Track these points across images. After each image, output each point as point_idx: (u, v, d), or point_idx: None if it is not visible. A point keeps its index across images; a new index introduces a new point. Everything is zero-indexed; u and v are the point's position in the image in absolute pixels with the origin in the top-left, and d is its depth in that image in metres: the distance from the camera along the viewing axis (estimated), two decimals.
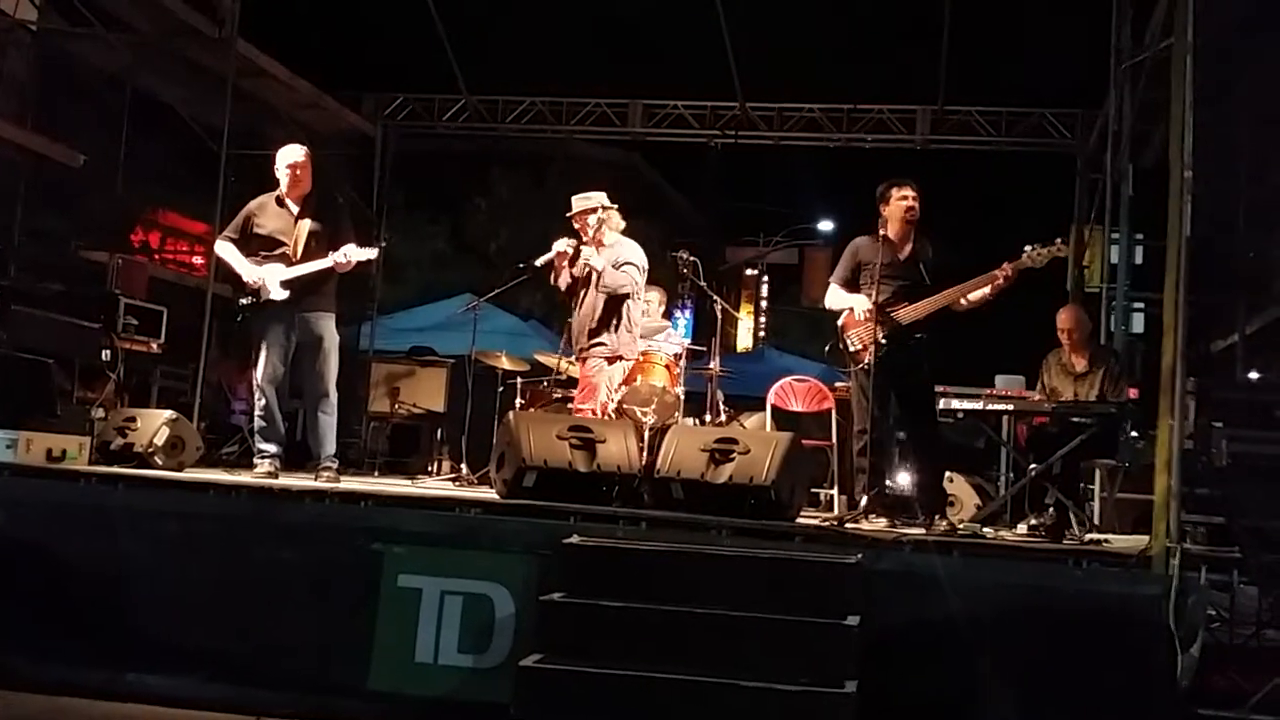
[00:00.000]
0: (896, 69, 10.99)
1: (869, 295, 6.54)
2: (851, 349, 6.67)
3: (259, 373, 7.11)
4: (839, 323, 6.77)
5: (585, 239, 7.65)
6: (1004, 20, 9.97)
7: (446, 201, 19.91)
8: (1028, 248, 6.36)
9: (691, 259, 8.52)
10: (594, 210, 7.66)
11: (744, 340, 27.67)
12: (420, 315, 14.78)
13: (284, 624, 5.49)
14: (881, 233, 6.60)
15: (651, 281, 8.89)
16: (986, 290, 6.42)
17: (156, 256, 13.54)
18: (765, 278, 29.73)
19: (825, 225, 28.13)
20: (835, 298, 6.80)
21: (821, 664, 4.55)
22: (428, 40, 11.33)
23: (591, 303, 7.58)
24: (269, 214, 7.19)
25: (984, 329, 7.66)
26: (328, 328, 7.19)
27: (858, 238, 6.83)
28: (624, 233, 7.85)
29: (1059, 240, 6.37)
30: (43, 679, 5.43)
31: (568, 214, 7.74)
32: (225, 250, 7.19)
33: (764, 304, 29.76)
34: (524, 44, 11.12)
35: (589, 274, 7.58)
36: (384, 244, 7.52)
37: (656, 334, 8.45)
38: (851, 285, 6.75)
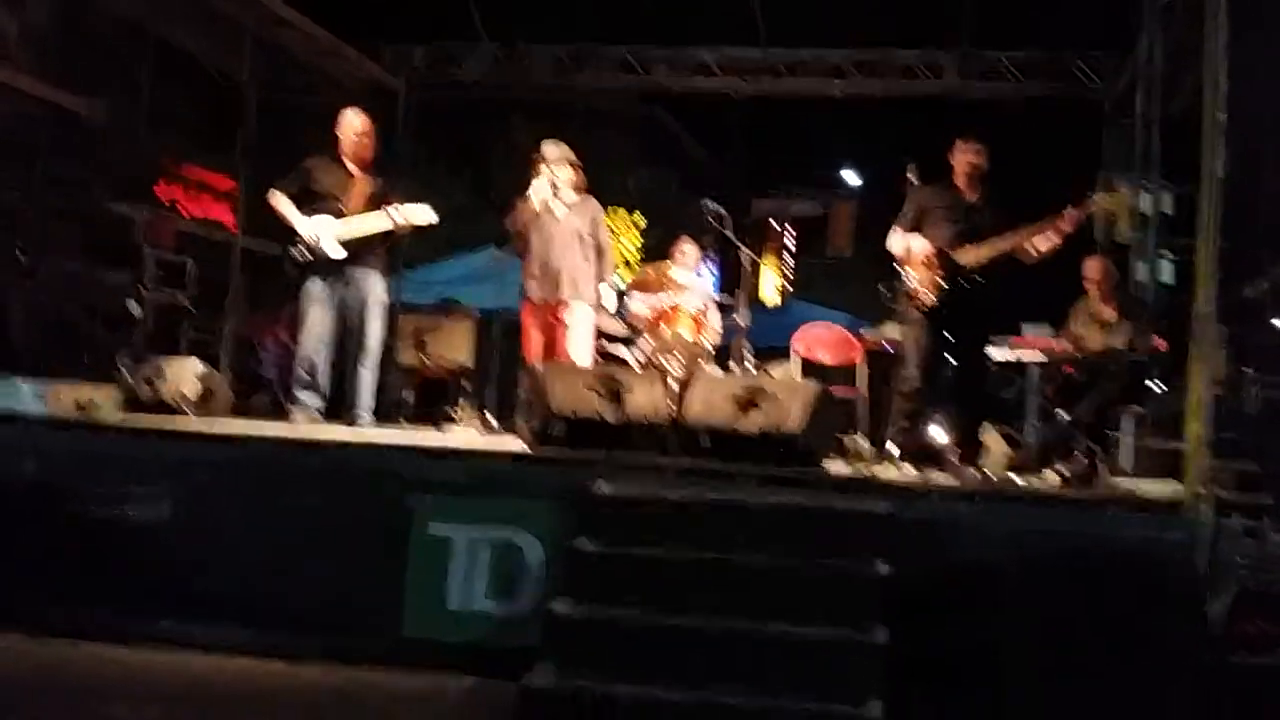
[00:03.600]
0: (922, 13, 10.78)
1: (934, 240, 6.51)
2: (909, 289, 6.65)
3: (307, 328, 7.24)
4: (900, 264, 6.73)
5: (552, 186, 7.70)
6: None
7: (468, 153, 19.82)
8: (1093, 195, 6.35)
9: (719, 210, 8.47)
10: (570, 163, 7.77)
11: (770, 292, 27.56)
12: (445, 268, 14.78)
13: (317, 572, 5.52)
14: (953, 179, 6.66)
15: (682, 233, 8.89)
16: (1052, 238, 6.41)
17: (183, 210, 13.52)
18: (790, 230, 29.56)
19: (850, 175, 27.94)
20: (897, 240, 6.76)
21: (851, 611, 4.55)
22: None
23: (572, 251, 7.66)
24: (327, 172, 7.36)
25: (1010, 278, 7.63)
26: (377, 285, 7.39)
27: (924, 184, 6.82)
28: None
29: (1121, 188, 6.36)
30: (77, 627, 5.49)
31: (549, 156, 7.78)
32: (279, 201, 7.31)
33: (789, 256, 29.61)
34: None
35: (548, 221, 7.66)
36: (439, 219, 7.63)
37: (684, 287, 8.43)
38: (916, 231, 6.73)
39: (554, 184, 7.70)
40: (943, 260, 6.52)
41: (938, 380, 7.06)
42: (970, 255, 6.51)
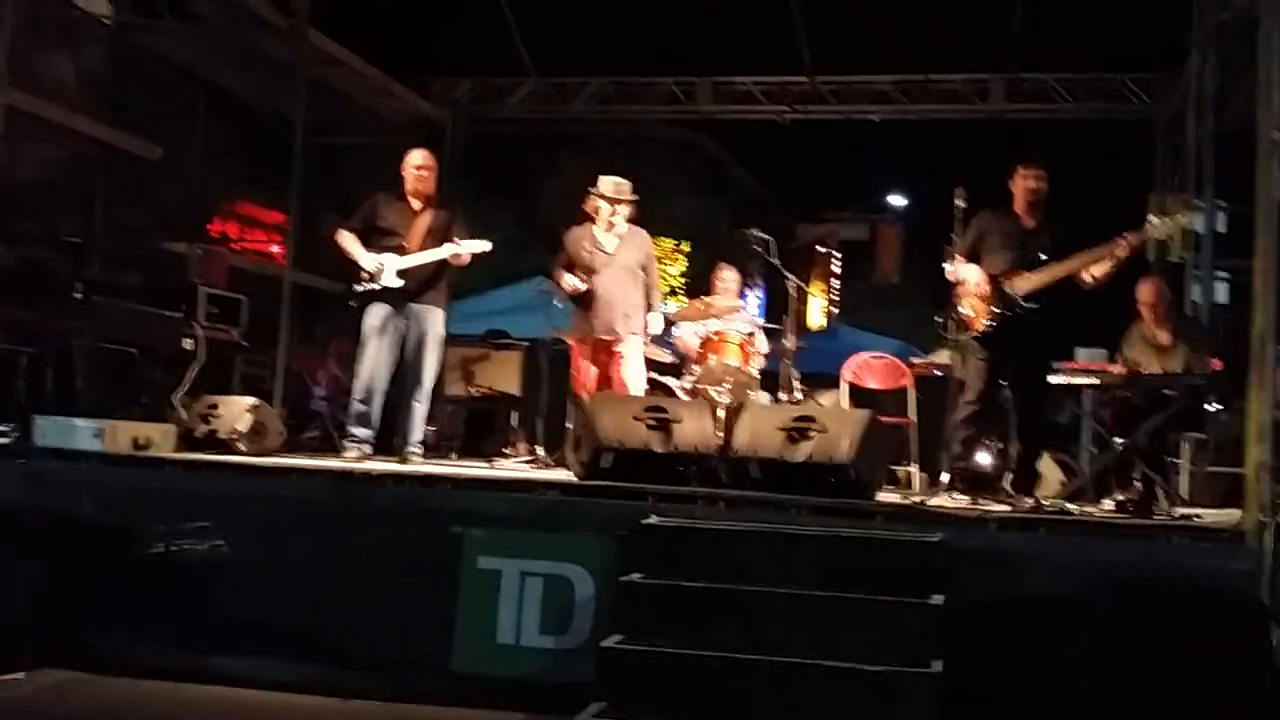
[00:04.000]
0: (969, 37, 10.70)
1: (994, 267, 6.49)
2: (964, 317, 6.59)
3: (365, 358, 7.40)
4: (956, 293, 6.68)
5: (598, 222, 7.74)
6: None
7: (515, 184, 19.95)
8: (1151, 218, 6.28)
9: (764, 237, 8.45)
10: (629, 201, 7.78)
11: (816, 317, 27.45)
12: (493, 299, 14.84)
13: (367, 607, 5.55)
14: (1014, 206, 6.61)
15: (724, 260, 8.88)
16: (1108, 264, 6.34)
17: (235, 246, 13.72)
18: (837, 254, 29.45)
19: (896, 200, 27.81)
20: (956, 269, 6.69)
21: (906, 643, 4.49)
22: (493, 22, 11.32)
23: (624, 285, 7.70)
24: (391, 209, 7.52)
25: (1063, 301, 7.56)
26: (437, 320, 7.54)
27: (984, 210, 6.77)
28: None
29: (1180, 212, 6.29)
30: (131, 663, 5.56)
31: (608, 194, 7.76)
32: (345, 239, 7.49)
33: (836, 281, 29.50)
34: (588, 23, 11.02)
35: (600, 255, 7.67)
36: (494, 241, 7.73)
37: (730, 313, 8.41)
38: (973, 257, 6.66)
39: (610, 220, 7.72)
40: (998, 288, 6.46)
41: (994, 408, 6.98)
42: (1026, 283, 6.44)
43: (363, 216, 7.56)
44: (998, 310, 6.46)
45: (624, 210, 7.75)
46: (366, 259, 7.37)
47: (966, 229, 6.71)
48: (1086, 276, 6.42)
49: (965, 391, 6.68)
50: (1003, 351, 6.49)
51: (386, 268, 7.34)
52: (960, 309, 6.62)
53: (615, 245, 7.76)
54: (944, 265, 6.74)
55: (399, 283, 7.34)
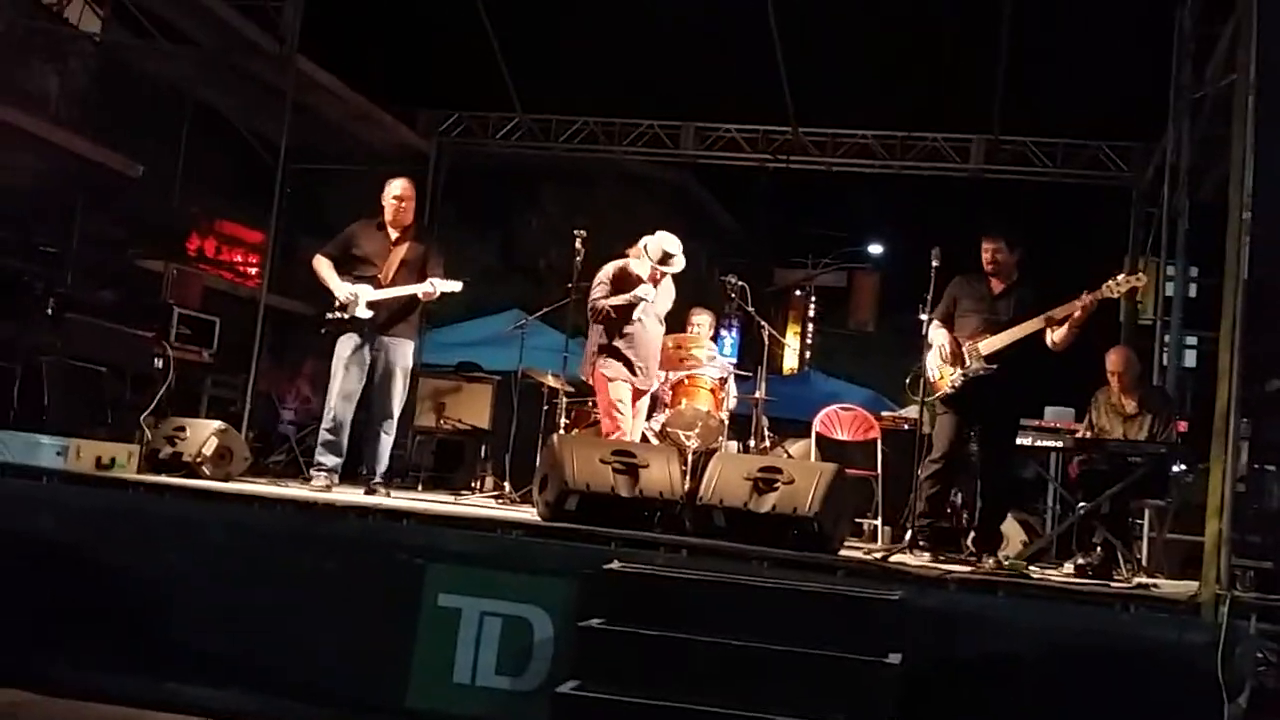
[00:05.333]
0: (951, 98, 10.86)
1: (964, 330, 6.74)
2: (931, 379, 6.86)
3: (335, 387, 7.38)
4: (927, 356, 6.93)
5: (650, 278, 7.62)
6: (1062, 52, 9.85)
7: (497, 216, 20.01)
8: (1109, 280, 6.43)
9: (740, 283, 8.50)
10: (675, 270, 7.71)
11: (790, 361, 27.60)
12: (467, 330, 14.86)
13: (324, 638, 5.50)
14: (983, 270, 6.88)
15: (700, 304, 8.91)
16: (1066, 327, 6.51)
17: (210, 267, 13.67)
18: (813, 299, 29.66)
19: (875, 249, 28.07)
20: (930, 332, 6.96)
21: (861, 701, 4.49)
22: (483, 59, 11.40)
23: (653, 335, 7.70)
24: (369, 237, 7.54)
25: (1034, 360, 7.67)
26: (406, 352, 7.56)
27: (958, 275, 7.04)
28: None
29: (1139, 271, 6.45)
30: (84, 686, 5.48)
31: (661, 264, 7.57)
32: (321, 265, 7.50)
33: (811, 326, 29.68)
34: (578, 64, 11.11)
35: (635, 307, 7.55)
36: (467, 280, 7.72)
37: (702, 358, 8.43)
38: (949, 321, 6.94)
39: (658, 276, 7.62)
40: (962, 350, 6.62)
41: (959, 466, 7.08)
42: (989, 345, 6.63)
43: (340, 244, 7.57)
44: (962, 372, 6.62)
45: (678, 265, 7.64)
46: (340, 288, 7.38)
47: (943, 293, 6.96)
48: (1049, 340, 6.59)
49: (931, 449, 6.80)
50: (969, 412, 6.64)
51: (359, 298, 7.34)
52: (928, 371, 6.85)
53: (653, 293, 7.65)
54: (920, 318, 6.94)
55: (369, 314, 7.35)
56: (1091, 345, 7.92)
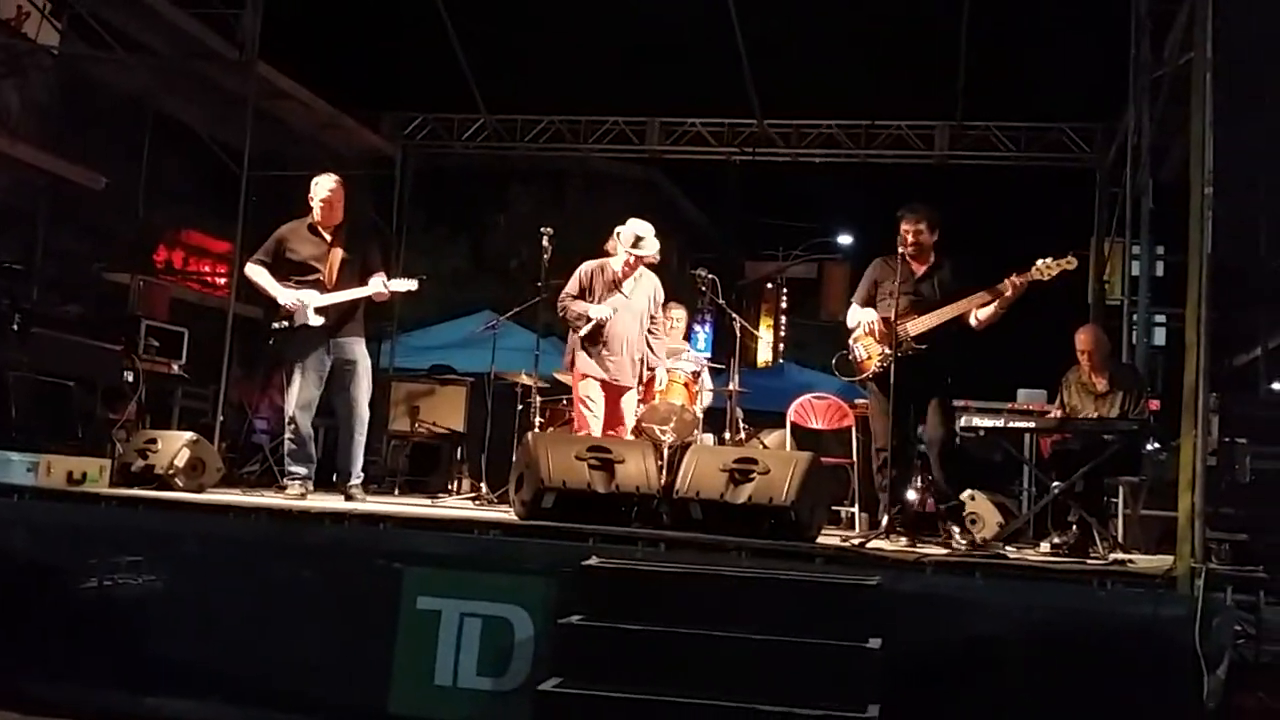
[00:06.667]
0: (914, 85, 10.92)
1: (884, 311, 6.71)
2: (858, 359, 6.89)
3: (292, 397, 7.22)
4: (851, 337, 6.97)
5: (624, 270, 7.62)
6: (1022, 36, 9.92)
7: (466, 219, 19.97)
8: (1039, 261, 6.43)
9: (710, 277, 8.50)
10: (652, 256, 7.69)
11: (764, 354, 27.66)
12: (439, 333, 14.80)
13: (304, 646, 5.48)
14: (900, 251, 6.77)
15: (673, 299, 8.92)
16: (994, 306, 6.50)
17: (178, 278, 13.58)
18: (784, 291, 29.73)
19: (844, 239, 28.20)
20: (852, 314, 7.03)
21: (843, 687, 4.51)
22: (446, 60, 11.37)
23: (638, 331, 7.66)
24: (302, 240, 7.30)
25: (1006, 342, 7.69)
26: (360, 351, 7.38)
27: (878, 258, 6.99)
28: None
29: (1070, 254, 6.43)
30: (59, 701, 5.44)
31: (633, 249, 7.58)
32: (257, 273, 7.27)
33: (783, 318, 29.76)
34: (541, 63, 11.10)
35: (592, 320, 7.51)
36: (424, 277, 7.62)
37: (675, 353, 8.44)
38: (870, 304, 6.95)
39: (630, 266, 7.61)
40: (890, 331, 6.62)
41: (909, 448, 7.08)
42: (914, 325, 6.62)
43: (271, 249, 7.30)
44: (889, 352, 6.62)
45: (652, 246, 7.62)
46: (284, 295, 7.15)
47: (864, 277, 7.01)
48: (972, 319, 6.59)
49: (875, 438, 6.82)
50: (900, 391, 6.55)
51: (306, 304, 7.14)
52: (855, 352, 6.89)
53: (631, 287, 7.66)
54: (848, 315, 7.01)
55: (319, 320, 7.14)
56: (1061, 326, 7.96)
